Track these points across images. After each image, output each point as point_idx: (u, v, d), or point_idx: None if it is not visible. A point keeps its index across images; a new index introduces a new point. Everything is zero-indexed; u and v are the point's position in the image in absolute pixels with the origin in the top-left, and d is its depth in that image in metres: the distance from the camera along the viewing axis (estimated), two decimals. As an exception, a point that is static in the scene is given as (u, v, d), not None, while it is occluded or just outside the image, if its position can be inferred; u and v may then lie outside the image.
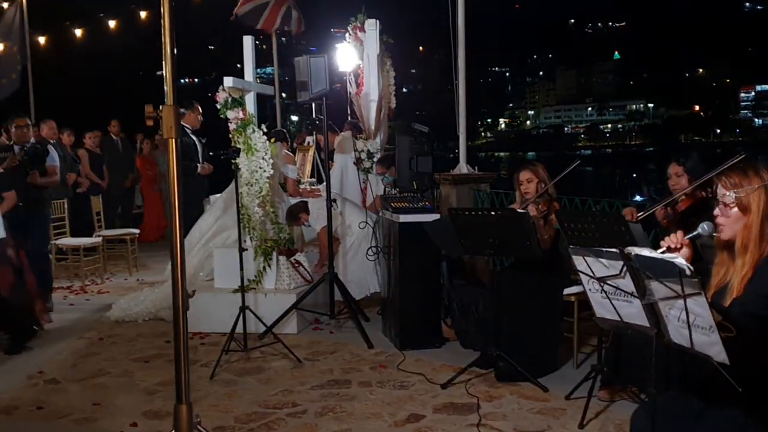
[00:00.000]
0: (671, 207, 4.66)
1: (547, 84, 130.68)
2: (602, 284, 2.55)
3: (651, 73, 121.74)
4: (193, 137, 8.02)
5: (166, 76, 1.87)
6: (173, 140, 1.85)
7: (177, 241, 1.88)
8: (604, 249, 2.49)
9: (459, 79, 8.54)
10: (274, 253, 6.43)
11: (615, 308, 2.60)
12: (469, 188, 8.28)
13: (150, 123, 1.93)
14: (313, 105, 9.66)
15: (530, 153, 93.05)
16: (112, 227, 10.11)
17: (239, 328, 5.57)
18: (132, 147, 11.83)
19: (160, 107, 1.88)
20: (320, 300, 6.50)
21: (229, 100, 6.26)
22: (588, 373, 4.52)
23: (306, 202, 7.04)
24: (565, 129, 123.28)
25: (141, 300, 7.09)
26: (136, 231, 9.76)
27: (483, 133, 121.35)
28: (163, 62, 1.87)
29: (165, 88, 1.87)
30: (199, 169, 8.09)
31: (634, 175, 45.18)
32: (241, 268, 5.59)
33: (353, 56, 8.09)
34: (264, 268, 6.42)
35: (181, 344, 1.91)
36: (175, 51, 1.84)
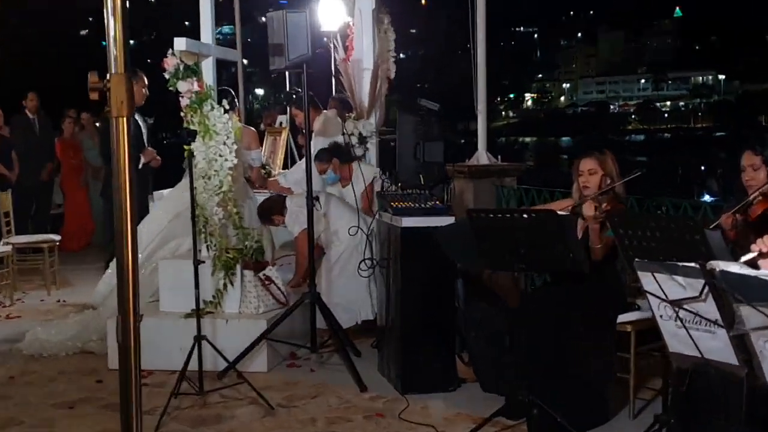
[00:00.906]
0: (742, 212, 4.65)
1: (588, 49, 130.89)
2: (677, 309, 2.55)
3: (721, 36, 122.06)
4: (137, 117, 7.95)
5: (115, 34, 1.83)
6: (124, 119, 1.82)
7: (129, 254, 1.85)
8: (679, 263, 2.48)
9: (477, 42, 8.54)
10: (238, 267, 6.43)
11: (693, 341, 2.59)
12: (491, 183, 8.30)
13: (94, 96, 1.89)
14: (288, 75, 9.69)
15: (564, 138, 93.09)
16: (24, 232, 10.08)
17: (193, 365, 5.56)
18: (54, 127, 11.76)
19: (108, 76, 1.84)
20: (298, 328, 6.50)
21: (181, 68, 6.24)
22: (650, 425, 4.51)
23: (284, 198, 7.02)
24: (611, 107, 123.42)
25: (63, 327, 7.07)
26: (57, 237, 9.74)
27: (504, 113, 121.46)
28: (110, 17, 1.83)
29: (112, 50, 1.82)
30: (142, 159, 8.03)
31: (702, 167, 45.41)
32: (196, 287, 5.58)
33: (340, 12, 8.07)
34: (225, 286, 6.42)
35: (132, 387, 1.87)
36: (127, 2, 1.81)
